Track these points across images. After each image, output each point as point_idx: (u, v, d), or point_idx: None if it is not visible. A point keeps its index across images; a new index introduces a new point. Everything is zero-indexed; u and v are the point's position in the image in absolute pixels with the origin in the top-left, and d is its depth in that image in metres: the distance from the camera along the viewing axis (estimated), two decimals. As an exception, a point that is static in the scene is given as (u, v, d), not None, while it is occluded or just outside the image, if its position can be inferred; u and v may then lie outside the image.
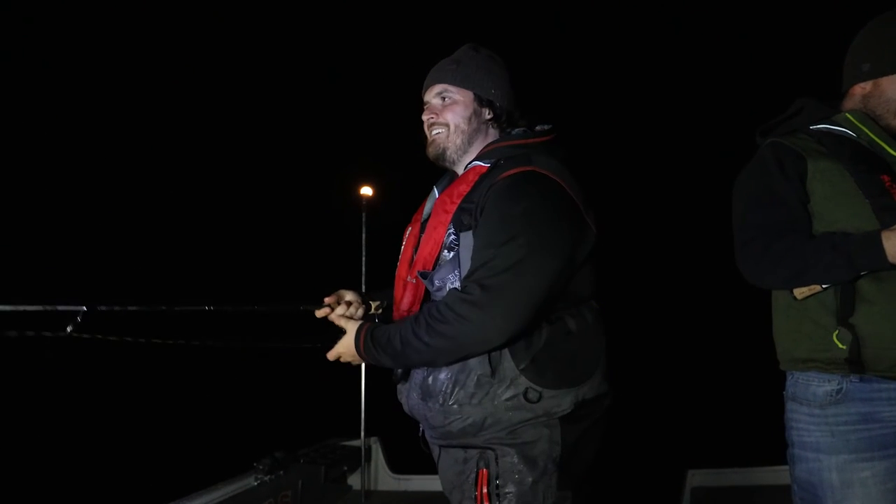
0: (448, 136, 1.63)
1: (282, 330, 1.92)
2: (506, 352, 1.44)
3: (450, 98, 1.63)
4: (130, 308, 1.41)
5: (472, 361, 1.45)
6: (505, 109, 1.64)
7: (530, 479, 1.43)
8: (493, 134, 1.65)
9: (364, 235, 4.03)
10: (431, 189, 1.75)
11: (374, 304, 1.82)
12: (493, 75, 1.64)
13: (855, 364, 1.41)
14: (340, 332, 1.63)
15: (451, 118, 1.62)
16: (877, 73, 1.54)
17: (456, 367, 1.47)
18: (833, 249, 1.37)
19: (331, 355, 1.64)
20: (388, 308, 1.81)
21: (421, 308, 1.57)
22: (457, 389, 1.46)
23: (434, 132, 1.64)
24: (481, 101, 1.63)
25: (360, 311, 1.77)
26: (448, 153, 1.64)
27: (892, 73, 1.53)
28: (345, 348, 1.61)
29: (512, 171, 1.48)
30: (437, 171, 1.76)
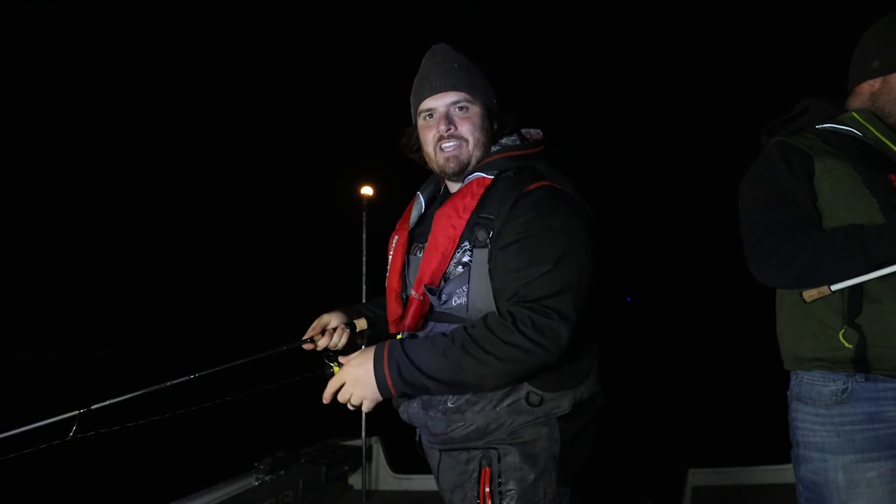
0: (471, 151, 1.53)
1: (281, 334, 1.86)
2: None
3: (469, 109, 1.54)
4: (122, 398, 1.39)
5: None
6: (504, 118, 1.59)
7: (532, 477, 1.43)
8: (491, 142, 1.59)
9: (364, 235, 4.05)
10: (416, 195, 1.69)
11: (358, 325, 1.72)
12: (489, 83, 1.59)
13: (861, 363, 1.41)
14: (327, 367, 1.50)
15: (471, 131, 1.53)
16: (886, 69, 1.54)
17: None
18: (846, 238, 1.36)
19: (330, 387, 1.44)
20: (375, 324, 1.75)
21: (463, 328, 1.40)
22: (458, 398, 1.45)
23: (451, 144, 1.53)
24: (490, 111, 1.57)
25: (345, 339, 1.69)
26: (470, 167, 1.54)
27: None
28: (357, 376, 1.40)
29: (533, 186, 1.44)
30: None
